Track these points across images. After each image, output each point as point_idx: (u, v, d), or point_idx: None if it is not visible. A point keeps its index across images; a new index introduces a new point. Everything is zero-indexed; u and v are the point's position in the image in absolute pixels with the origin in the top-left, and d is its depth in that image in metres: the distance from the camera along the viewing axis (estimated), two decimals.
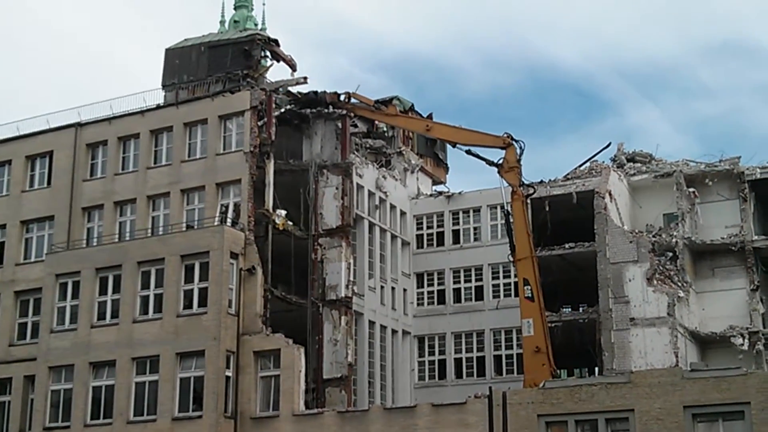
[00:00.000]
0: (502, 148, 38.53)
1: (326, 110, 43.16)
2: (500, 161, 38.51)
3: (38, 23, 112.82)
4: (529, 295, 36.92)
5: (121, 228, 42.84)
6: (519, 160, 38.18)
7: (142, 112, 43.59)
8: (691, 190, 44.61)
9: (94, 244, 42.36)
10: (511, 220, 38.24)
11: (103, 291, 39.81)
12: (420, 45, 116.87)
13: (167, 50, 45.83)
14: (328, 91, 42.85)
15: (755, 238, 43.24)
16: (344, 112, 43.10)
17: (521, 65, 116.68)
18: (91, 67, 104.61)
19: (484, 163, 39.35)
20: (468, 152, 39.91)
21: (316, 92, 42.76)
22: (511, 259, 38.27)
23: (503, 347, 45.70)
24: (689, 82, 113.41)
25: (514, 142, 38.38)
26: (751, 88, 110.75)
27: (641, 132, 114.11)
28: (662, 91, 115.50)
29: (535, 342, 36.38)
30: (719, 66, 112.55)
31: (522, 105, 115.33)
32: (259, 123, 41.15)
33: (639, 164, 46.94)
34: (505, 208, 39.07)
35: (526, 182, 38.70)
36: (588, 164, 46.02)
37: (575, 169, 45.95)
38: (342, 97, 42.69)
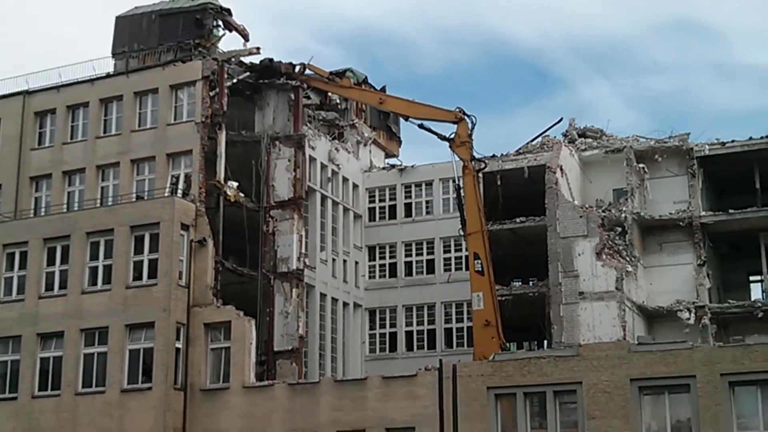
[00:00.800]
0: (454, 123, 38.61)
1: (279, 81, 42.87)
2: (452, 135, 38.56)
3: None
4: (479, 269, 37.10)
5: (69, 198, 42.30)
6: (470, 135, 38.29)
7: (91, 81, 42.97)
8: (641, 165, 45.03)
9: (42, 214, 41.82)
10: (462, 195, 38.35)
11: (51, 262, 39.32)
12: (376, 18, 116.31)
13: (117, 18, 45.17)
14: (291, 61, 42.58)
15: (703, 213, 43.73)
16: (297, 83, 42.84)
17: (476, 41, 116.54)
18: (40, 36, 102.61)
19: (436, 137, 39.37)
20: (420, 126, 39.91)
21: (271, 59, 42.45)
22: (462, 233, 38.42)
23: (454, 320, 45.93)
24: (641, 58, 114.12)
25: (465, 117, 38.48)
26: (702, 66, 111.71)
27: (593, 107, 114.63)
28: (614, 66, 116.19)
29: (485, 315, 36.60)
30: (671, 43, 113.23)
31: (476, 80, 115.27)
32: (211, 93, 40.73)
33: (590, 140, 47.32)
34: (456, 182, 39.17)
35: (477, 157, 38.79)
36: (540, 139, 46.33)
37: (527, 143, 46.20)
38: (297, 68, 42.44)
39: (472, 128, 38.41)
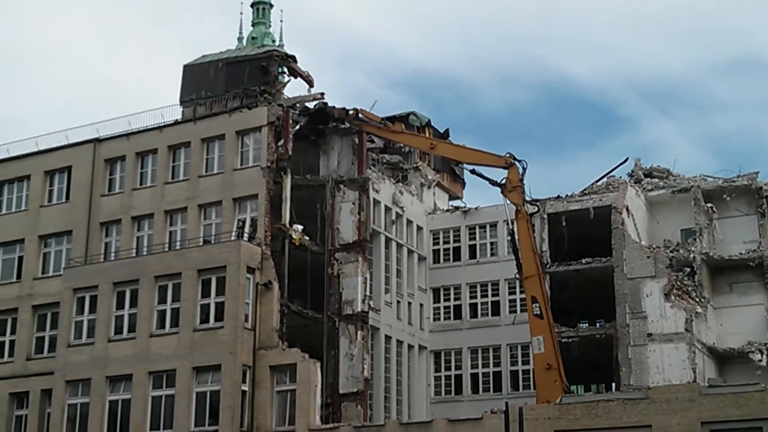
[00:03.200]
0: (505, 168, 38.44)
1: (342, 125, 43.20)
2: (503, 181, 38.41)
3: (59, 46, 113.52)
4: (538, 312, 36.73)
5: (138, 243, 42.94)
6: (521, 180, 38.15)
7: (160, 128, 43.77)
8: (709, 205, 44.43)
9: (112, 258, 42.45)
10: (517, 239, 38.12)
11: (120, 305, 39.90)
12: (436, 62, 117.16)
13: (185, 66, 46.04)
14: (345, 107, 42.96)
15: None
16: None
17: (536, 82, 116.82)
18: (112, 87, 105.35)
19: (488, 182, 39.23)
20: (472, 172, 39.93)
21: (325, 104, 42.82)
22: (519, 277, 38.13)
23: (520, 362, 45.45)
24: (704, 97, 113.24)
25: (516, 162, 38.34)
26: (766, 103, 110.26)
27: (657, 147, 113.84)
28: (678, 106, 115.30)
29: (546, 359, 36.16)
30: (734, 81, 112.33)
31: (538, 121, 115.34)
32: (277, 139, 41.18)
33: (656, 180, 46.82)
34: (510, 226, 39.01)
35: (529, 200, 38.57)
36: (605, 179, 45.93)
37: (592, 184, 45.82)
38: (350, 113, 42.74)
39: (523, 173, 38.30)
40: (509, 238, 39.73)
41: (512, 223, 38.46)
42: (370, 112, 43.02)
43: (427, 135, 47.67)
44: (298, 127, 42.46)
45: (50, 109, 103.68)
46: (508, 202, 38.43)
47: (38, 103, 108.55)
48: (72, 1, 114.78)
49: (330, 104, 43.40)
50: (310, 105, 43.81)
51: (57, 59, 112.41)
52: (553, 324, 36.72)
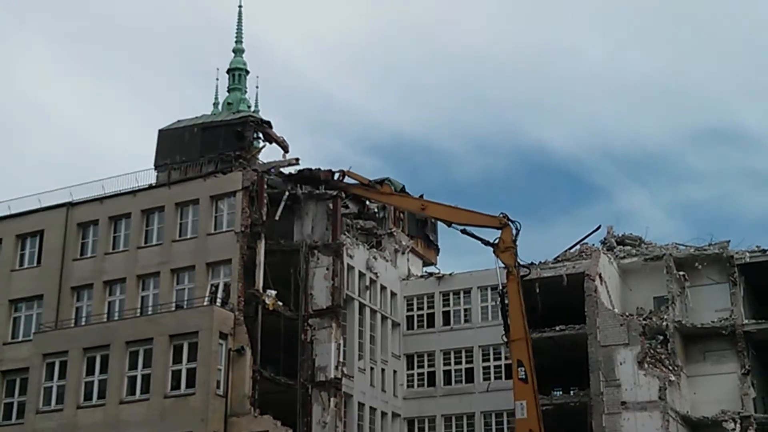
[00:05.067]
0: (498, 228, 38.28)
1: (317, 191, 43.16)
2: (496, 241, 38.20)
3: (32, 107, 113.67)
4: (523, 376, 36.43)
5: (110, 307, 42.59)
6: (515, 241, 37.98)
7: (133, 192, 43.71)
8: (681, 273, 44.69)
9: (83, 323, 42.02)
10: (506, 301, 37.93)
11: (90, 371, 39.36)
12: (411, 128, 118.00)
13: (160, 131, 46.17)
14: (330, 168, 42.84)
15: (746, 322, 43.24)
16: (336, 193, 43.06)
17: (512, 149, 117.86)
18: (85, 150, 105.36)
19: (477, 243, 38.93)
20: (463, 231, 39.59)
21: (311, 169, 42.78)
22: (505, 339, 37.86)
23: (494, 430, 45.16)
24: (678, 167, 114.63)
25: (510, 223, 38.21)
26: (739, 174, 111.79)
27: (631, 216, 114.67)
28: (651, 175, 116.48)
29: (529, 425, 35.69)
30: (708, 151, 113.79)
31: (513, 188, 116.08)
32: (251, 204, 41.10)
33: (629, 247, 47.12)
34: (499, 288, 38.79)
35: (521, 263, 38.47)
36: (578, 247, 46.17)
37: (565, 251, 46.03)
38: (336, 176, 42.63)
39: (517, 234, 37.96)
40: (498, 300, 39.41)
41: (501, 285, 38.16)
42: (357, 174, 42.77)
43: None
44: (287, 194, 42.20)
45: (26, 170, 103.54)
46: (501, 263, 38.09)
47: (15, 164, 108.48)
48: (59, 67, 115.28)
49: (306, 169, 43.38)
50: (286, 170, 43.89)
51: (37, 121, 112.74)
52: (536, 389, 36.37)
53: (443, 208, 40.85)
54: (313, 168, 42.91)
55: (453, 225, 39.84)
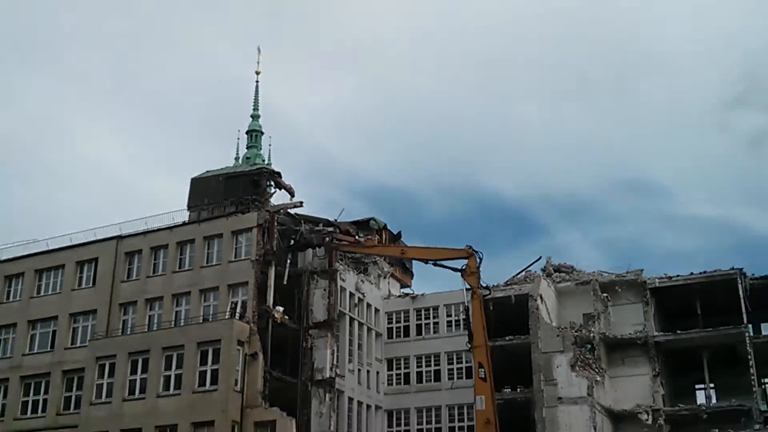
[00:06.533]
0: (465, 258, 38.50)
1: (318, 247, 42.40)
2: (463, 267, 38.38)
3: (85, 160, 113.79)
4: (483, 376, 36.67)
5: (150, 320, 42.66)
6: (478, 267, 38.27)
7: (170, 228, 43.89)
8: (605, 295, 44.97)
9: (128, 333, 42.14)
10: (470, 315, 38.16)
11: (134, 371, 39.43)
12: (389, 177, 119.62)
13: (193, 179, 46.49)
14: (323, 232, 42.33)
15: (655, 334, 43.52)
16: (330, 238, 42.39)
17: (469, 195, 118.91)
18: (133, 194, 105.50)
19: (446, 270, 38.96)
20: (435, 264, 39.62)
21: (304, 237, 41.93)
22: (469, 346, 38.06)
23: (456, 420, 45.31)
24: (603, 211, 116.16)
25: (475, 253, 38.47)
26: (651, 217, 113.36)
27: (565, 249, 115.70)
28: (582, 217, 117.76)
29: (486, 415, 35.97)
30: (627, 199, 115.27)
31: (471, 226, 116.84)
32: (264, 238, 41.32)
33: (563, 274, 47.31)
34: (465, 304, 38.95)
35: (483, 285, 38.73)
36: (523, 273, 46.39)
37: (513, 277, 46.30)
38: (326, 239, 41.91)
39: (480, 262, 38.24)
40: (464, 314, 39.45)
41: (467, 302, 38.33)
42: (342, 235, 42.44)
43: (384, 237, 48.03)
44: (289, 262, 41.66)
45: (81, 210, 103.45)
46: (467, 285, 38.28)
47: (73, 205, 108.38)
48: (104, 123, 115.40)
49: (306, 210, 43.74)
50: (293, 211, 44.07)
51: (91, 170, 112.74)
52: (493, 386, 36.55)
53: (419, 249, 40.76)
54: (306, 236, 41.97)
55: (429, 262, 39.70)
